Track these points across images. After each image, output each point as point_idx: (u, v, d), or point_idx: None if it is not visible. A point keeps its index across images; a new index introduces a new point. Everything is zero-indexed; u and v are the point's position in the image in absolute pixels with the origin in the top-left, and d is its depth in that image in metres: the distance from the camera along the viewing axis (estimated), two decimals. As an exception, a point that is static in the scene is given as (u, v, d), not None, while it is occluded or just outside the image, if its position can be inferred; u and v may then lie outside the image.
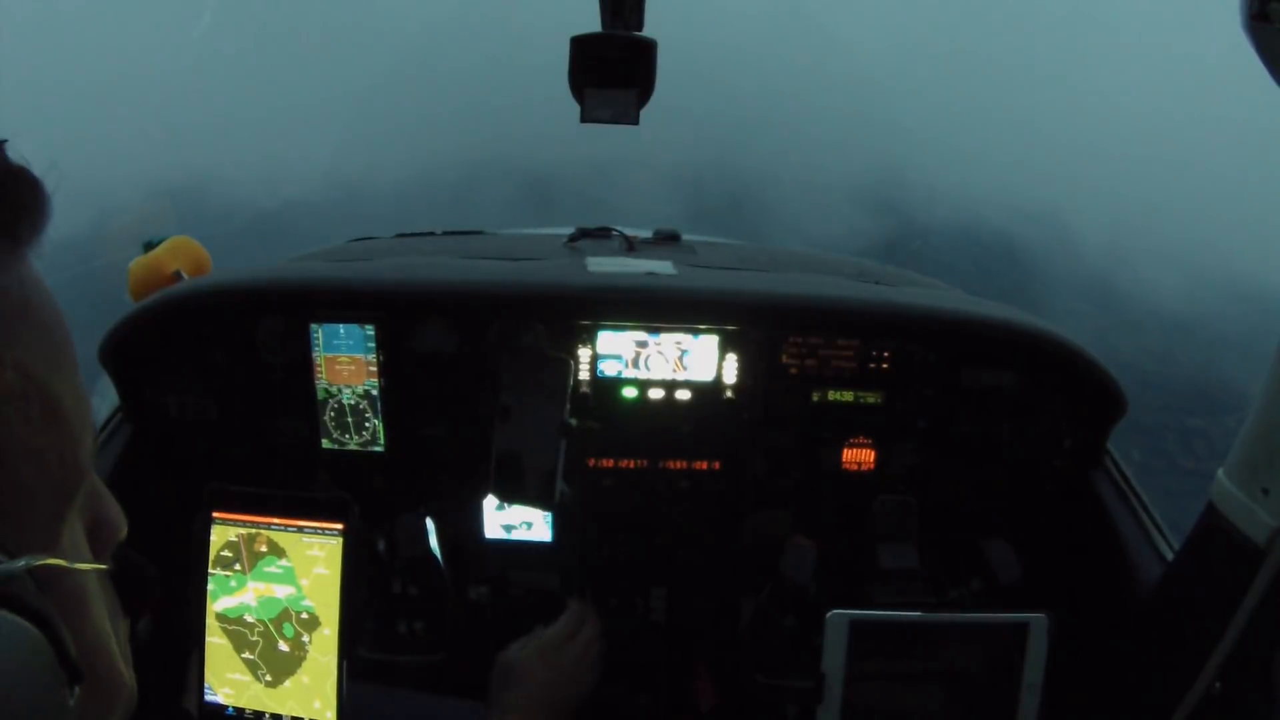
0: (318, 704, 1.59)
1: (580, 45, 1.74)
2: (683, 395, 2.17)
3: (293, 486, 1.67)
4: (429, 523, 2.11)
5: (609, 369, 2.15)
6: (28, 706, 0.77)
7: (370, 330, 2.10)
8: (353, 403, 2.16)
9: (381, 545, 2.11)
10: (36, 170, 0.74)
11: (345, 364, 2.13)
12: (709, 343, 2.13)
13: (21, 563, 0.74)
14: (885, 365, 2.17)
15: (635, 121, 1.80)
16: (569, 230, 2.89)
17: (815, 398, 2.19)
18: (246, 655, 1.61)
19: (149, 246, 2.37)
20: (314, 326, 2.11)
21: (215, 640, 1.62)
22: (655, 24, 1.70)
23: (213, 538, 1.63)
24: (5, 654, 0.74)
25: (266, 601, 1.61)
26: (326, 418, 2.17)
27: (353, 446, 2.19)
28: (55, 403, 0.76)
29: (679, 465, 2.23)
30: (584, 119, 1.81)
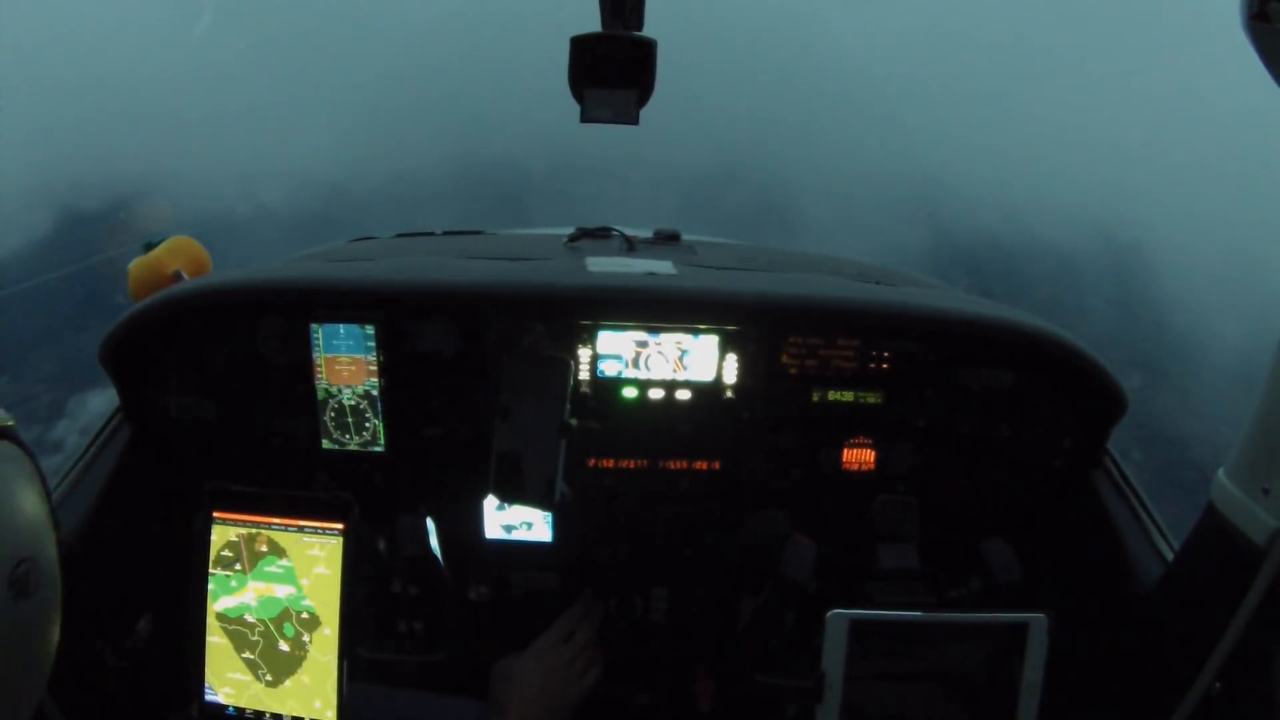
0: (318, 704, 1.59)
1: (580, 45, 1.74)
2: (683, 395, 2.17)
3: (293, 487, 1.67)
4: (429, 523, 2.11)
5: (609, 369, 2.15)
6: (33, 521, 1.19)
7: (370, 330, 2.11)
8: (353, 403, 2.16)
9: (382, 545, 2.11)
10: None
11: (345, 364, 2.13)
12: (709, 343, 2.13)
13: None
14: (885, 365, 2.17)
15: (635, 121, 1.80)
16: (569, 230, 2.89)
17: (815, 398, 2.19)
18: (247, 655, 1.62)
19: (149, 246, 2.37)
20: (314, 326, 2.11)
21: (215, 640, 1.63)
22: (656, 24, 1.71)
23: (213, 537, 1.63)
24: (16, 475, 1.20)
25: (267, 601, 1.61)
26: (326, 418, 2.17)
27: (353, 446, 2.19)
28: None
29: (679, 465, 2.23)
30: (584, 119, 1.81)
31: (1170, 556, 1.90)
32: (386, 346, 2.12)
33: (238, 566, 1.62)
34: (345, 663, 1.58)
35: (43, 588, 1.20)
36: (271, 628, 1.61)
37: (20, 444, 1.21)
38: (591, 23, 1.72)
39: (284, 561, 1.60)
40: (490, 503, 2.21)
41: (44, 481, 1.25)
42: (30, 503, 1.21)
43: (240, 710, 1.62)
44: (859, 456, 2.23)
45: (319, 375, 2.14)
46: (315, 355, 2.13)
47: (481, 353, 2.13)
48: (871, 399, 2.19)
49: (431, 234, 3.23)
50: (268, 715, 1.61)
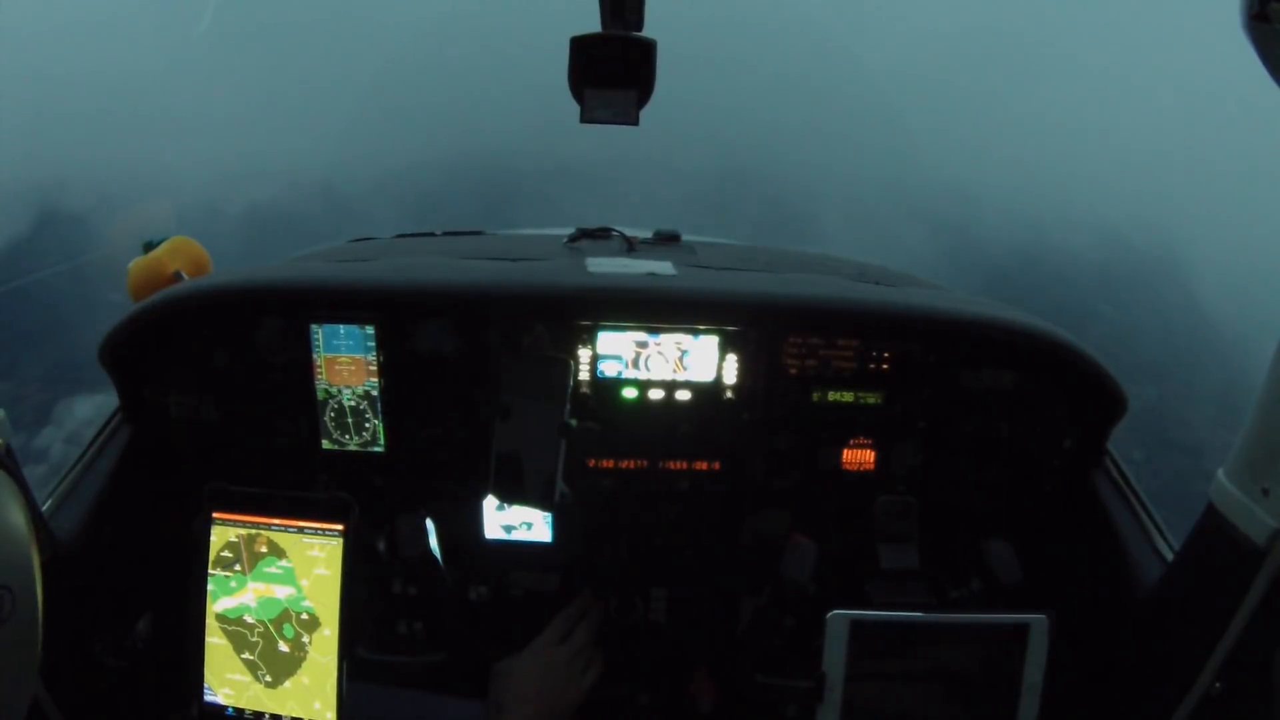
0: (318, 704, 1.59)
1: (580, 45, 1.74)
2: (683, 396, 2.17)
3: (293, 487, 1.67)
4: (429, 523, 2.11)
5: (609, 369, 2.15)
6: (12, 545, 1.18)
7: (370, 330, 2.10)
8: (353, 403, 2.16)
9: (381, 545, 2.11)
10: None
11: (345, 364, 2.13)
12: (709, 343, 2.13)
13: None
14: (885, 365, 2.17)
15: (635, 122, 1.80)
16: (569, 230, 2.89)
17: (815, 398, 2.19)
18: (246, 656, 1.61)
19: (149, 246, 2.37)
20: (314, 327, 2.11)
21: (215, 640, 1.62)
22: (656, 24, 1.71)
23: (213, 538, 1.63)
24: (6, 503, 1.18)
25: (266, 602, 1.61)
26: (326, 418, 2.17)
27: (353, 447, 2.19)
28: None
29: (679, 466, 2.23)
30: (584, 119, 1.81)
31: (1170, 556, 1.90)
32: (386, 346, 2.12)
33: (237, 567, 1.62)
34: (345, 663, 1.58)
35: (17, 613, 1.21)
36: (271, 628, 1.61)
37: (6, 466, 1.22)
38: (591, 23, 1.72)
39: (284, 562, 1.60)
40: (490, 503, 2.21)
41: (31, 501, 1.26)
42: (11, 526, 1.21)
43: (240, 711, 1.62)
44: (859, 457, 2.23)
45: (319, 375, 2.14)
46: (315, 355, 2.13)
47: (481, 353, 2.13)
48: (871, 399, 2.19)
49: (431, 234, 3.23)
50: (267, 716, 1.61)
